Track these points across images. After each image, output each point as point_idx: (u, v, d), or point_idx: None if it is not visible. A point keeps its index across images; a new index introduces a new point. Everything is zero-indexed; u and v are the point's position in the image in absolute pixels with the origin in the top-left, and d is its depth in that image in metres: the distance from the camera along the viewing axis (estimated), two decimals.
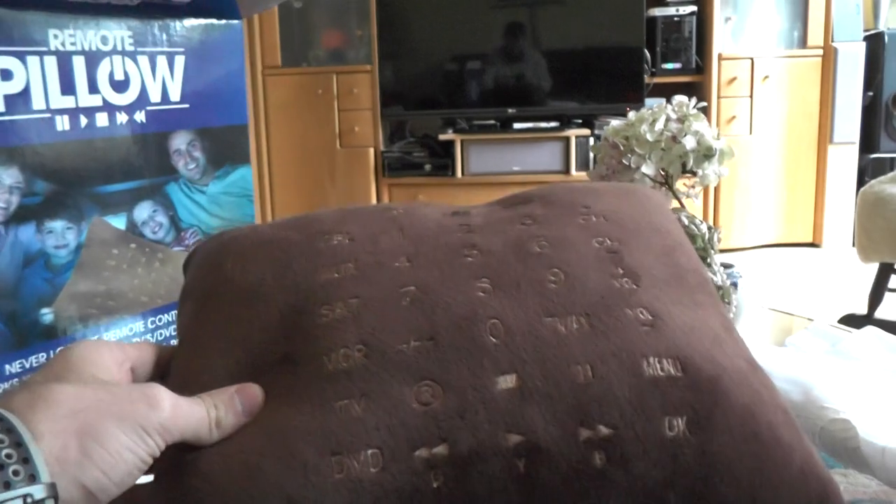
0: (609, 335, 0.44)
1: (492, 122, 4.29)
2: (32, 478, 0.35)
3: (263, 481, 0.40)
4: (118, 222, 0.76)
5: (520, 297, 0.47)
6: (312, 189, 4.45)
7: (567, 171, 4.14)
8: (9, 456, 0.35)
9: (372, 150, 4.37)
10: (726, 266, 0.84)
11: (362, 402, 0.42)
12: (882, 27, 4.37)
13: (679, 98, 0.86)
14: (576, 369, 0.43)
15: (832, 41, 4.19)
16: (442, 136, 4.25)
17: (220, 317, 0.50)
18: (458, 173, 4.22)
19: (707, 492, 0.40)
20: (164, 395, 0.41)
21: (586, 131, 4.14)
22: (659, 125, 0.78)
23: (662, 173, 0.82)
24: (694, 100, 0.85)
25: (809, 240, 4.37)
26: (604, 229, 0.52)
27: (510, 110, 4.23)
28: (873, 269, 2.88)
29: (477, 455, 0.40)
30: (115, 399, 0.39)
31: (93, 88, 0.72)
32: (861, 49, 4.17)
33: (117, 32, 0.74)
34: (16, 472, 0.34)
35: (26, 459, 0.35)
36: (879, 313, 2.89)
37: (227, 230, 0.60)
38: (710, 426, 0.41)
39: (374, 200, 4.34)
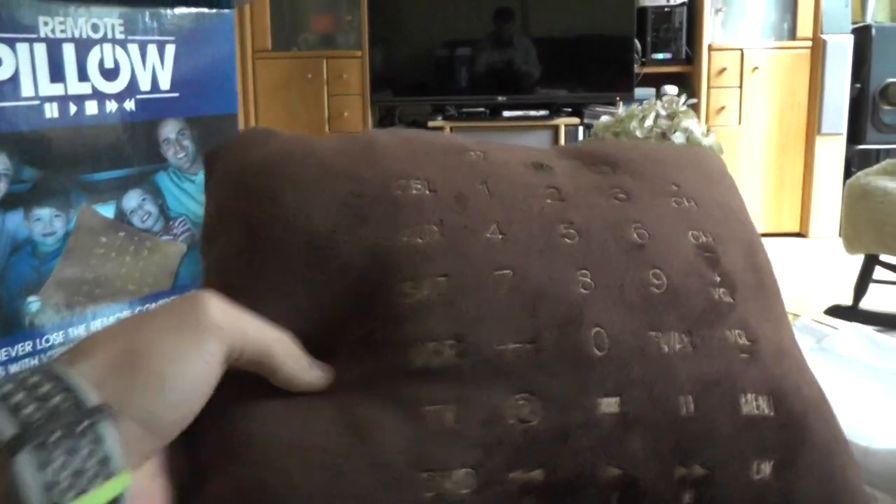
0: (712, 361, 0.41)
1: (481, 109, 4.28)
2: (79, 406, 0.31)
3: (351, 491, 0.36)
4: (107, 210, 0.76)
5: (623, 301, 0.41)
6: None
7: None
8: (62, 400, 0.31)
9: None
10: None
11: (455, 410, 0.38)
12: (869, 20, 4.39)
13: (669, 93, 0.86)
14: (679, 400, 0.40)
15: (821, 33, 4.20)
16: (431, 123, 4.24)
17: (279, 268, 0.42)
18: None
19: None
20: (206, 296, 0.36)
21: (575, 120, 4.14)
22: (648, 122, 0.79)
23: None
24: (684, 97, 0.85)
25: (796, 230, 4.40)
26: (697, 219, 0.47)
27: (499, 98, 4.23)
28: (859, 259, 2.90)
29: (575, 484, 0.38)
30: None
31: (82, 76, 0.72)
32: (849, 41, 4.18)
33: (108, 20, 0.73)
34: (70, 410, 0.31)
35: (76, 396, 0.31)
36: (864, 304, 2.91)
37: (271, 133, 0.48)
38: (794, 469, 0.40)
39: None
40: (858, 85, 4.24)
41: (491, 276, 0.41)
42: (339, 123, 4.37)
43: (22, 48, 0.67)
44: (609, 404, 0.39)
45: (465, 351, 0.39)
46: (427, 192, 0.44)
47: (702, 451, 0.39)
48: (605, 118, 0.83)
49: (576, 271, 0.42)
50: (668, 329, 0.41)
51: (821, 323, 0.86)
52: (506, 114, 4.21)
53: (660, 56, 4.26)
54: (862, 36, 4.23)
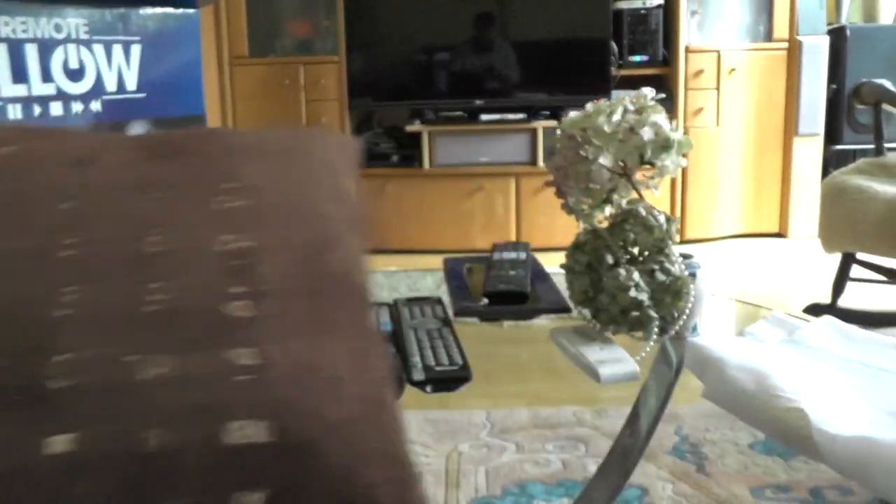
0: (200, 386, 0.36)
1: (459, 113, 4.28)
2: None
3: None
4: None
5: (107, 322, 0.37)
6: None
7: (534, 162, 4.15)
8: None
9: None
10: (685, 256, 0.85)
11: None
12: (844, 21, 4.43)
13: (646, 89, 0.86)
14: (147, 433, 0.35)
15: (797, 35, 4.24)
16: (409, 128, 4.24)
17: None
18: (426, 165, 4.22)
19: None
20: None
21: (553, 123, 4.14)
22: (616, 116, 0.79)
23: (621, 164, 0.82)
24: (651, 91, 0.86)
25: (775, 230, 4.42)
26: (242, 221, 0.42)
27: (477, 102, 4.23)
28: (838, 258, 2.92)
29: None
30: None
31: (46, 77, 0.71)
32: (825, 42, 4.22)
33: (72, 20, 0.73)
34: None
35: None
36: (842, 302, 2.93)
37: None
38: (298, 498, 0.36)
39: None
40: (834, 86, 4.28)
41: None
42: None
43: None
44: (60, 443, 0.35)
45: None
46: None
47: (169, 488, 0.35)
48: (573, 113, 0.83)
49: (63, 289, 0.37)
50: (154, 352, 0.37)
51: (793, 316, 0.86)
52: (483, 117, 4.22)
53: (637, 58, 4.28)
54: (837, 37, 4.26)
